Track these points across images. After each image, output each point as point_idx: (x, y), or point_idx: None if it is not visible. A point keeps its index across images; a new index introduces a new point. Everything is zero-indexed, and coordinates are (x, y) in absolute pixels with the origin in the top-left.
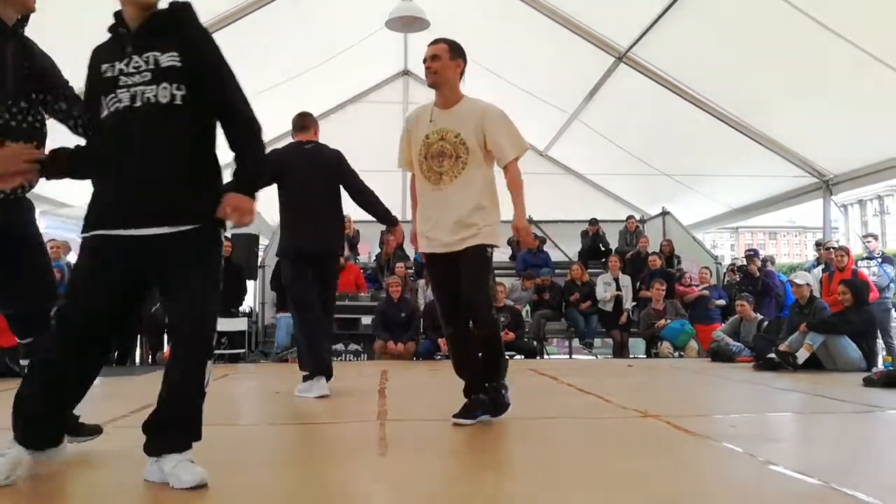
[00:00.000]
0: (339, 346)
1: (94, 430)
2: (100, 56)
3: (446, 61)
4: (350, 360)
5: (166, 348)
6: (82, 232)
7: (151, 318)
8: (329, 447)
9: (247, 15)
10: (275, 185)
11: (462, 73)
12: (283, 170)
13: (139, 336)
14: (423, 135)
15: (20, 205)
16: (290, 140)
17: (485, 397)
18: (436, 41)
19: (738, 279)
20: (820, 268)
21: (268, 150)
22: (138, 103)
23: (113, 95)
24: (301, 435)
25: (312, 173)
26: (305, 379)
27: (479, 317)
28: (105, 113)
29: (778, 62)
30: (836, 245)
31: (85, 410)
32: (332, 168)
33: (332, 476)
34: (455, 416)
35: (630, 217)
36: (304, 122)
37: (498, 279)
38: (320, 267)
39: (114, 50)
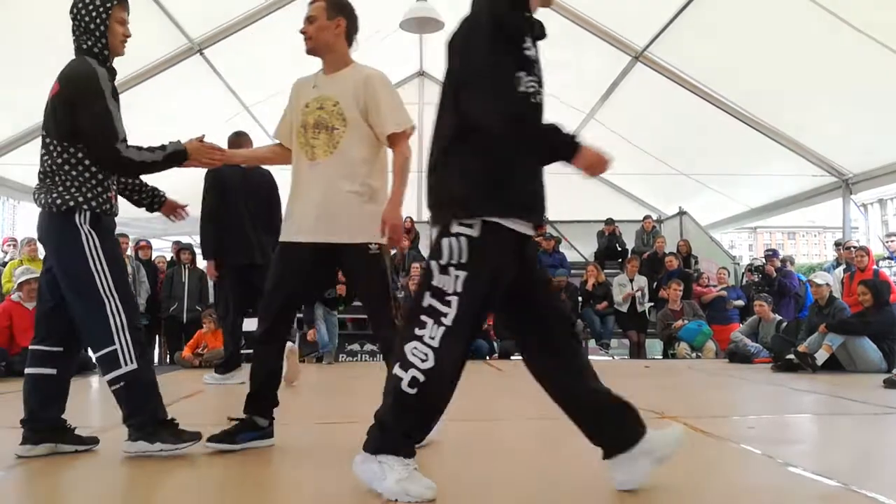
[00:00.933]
0: (356, 347)
1: (91, 441)
2: (531, 27)
3: (323, 22)
4: (366, 360)
5: (185, 349)
6: (525, 218)
7: (170, 318)
8: (344, 446)
9: (262, 18)
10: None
11: (349, 35)
12: (226, 187)
13: (158, 336)
14: (304, 103)
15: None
16: None
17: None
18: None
19: (755, 279)
20: (841, 268)
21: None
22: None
23: (533, 79)
24: (317, 434)
25: (248, 192)
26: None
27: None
28: (520, 90)
29: (797, 60)
30: (856, 245)
31: (105, 410)
32: (264, 188)
33: (347, 476)
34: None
35: (647, 217)
36: (239, 141)
37: None
38: (250, 277)
39: (537, 33)
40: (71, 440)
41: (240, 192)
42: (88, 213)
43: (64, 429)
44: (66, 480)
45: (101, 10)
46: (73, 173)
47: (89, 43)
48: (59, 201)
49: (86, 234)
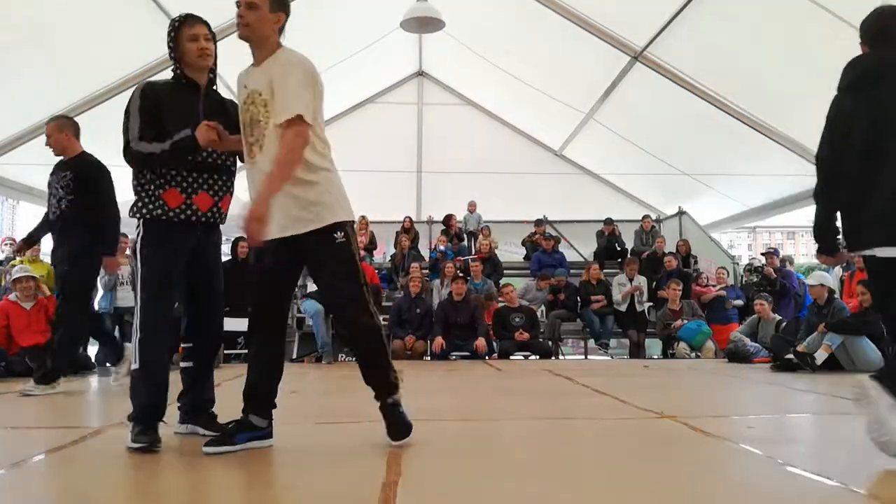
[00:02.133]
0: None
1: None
2: None
3: (265, 13)
4: None
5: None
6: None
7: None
8: (343, 447)
9: None
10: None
11: (282, 29)
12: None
13: None
14: (241, 101)
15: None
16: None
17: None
18: None
19: (755, 280)
20: (839, 266)
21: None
22: None
23: None
24: (315, 434)
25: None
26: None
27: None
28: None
29: (796, 60)
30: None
31: (104, 409)
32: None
33: (346, 476)
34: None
35: (646, 216)
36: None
37: (512, 279)
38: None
39: None
40: (207, 426)
41: (96, 182)
42: (142, 221)
43: (207, 414)
44: (64, 480)
45: (171, 34)
46: (134, 182)
47: (173, 65)
48: (132, 209)
49: (138, 241)
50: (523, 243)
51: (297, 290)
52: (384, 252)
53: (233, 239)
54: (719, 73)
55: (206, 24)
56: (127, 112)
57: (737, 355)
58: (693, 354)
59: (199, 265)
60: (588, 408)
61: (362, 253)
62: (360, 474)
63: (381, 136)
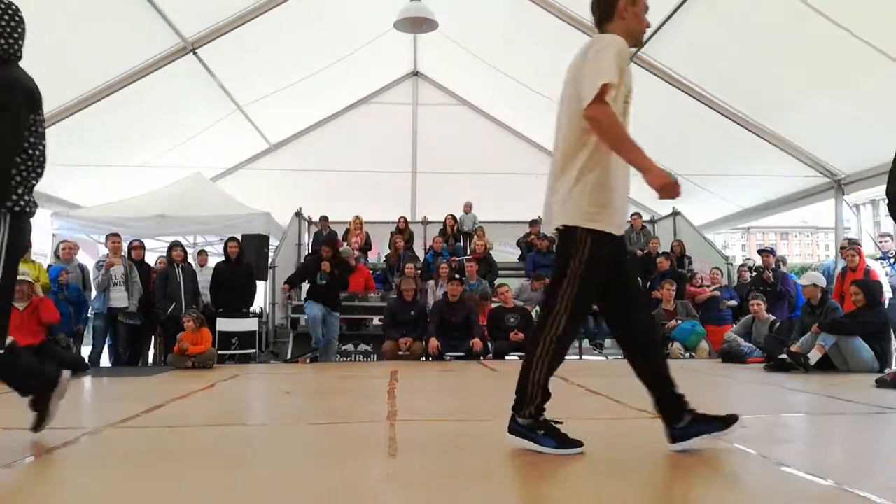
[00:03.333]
0: (349, 347)
1: None
2: None
3: None
4: (360, 360)
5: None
6: None
7: (170, 319)
8: (338, 447)
9: (257, 17)
10: None
11: None
12: None
13: (154, 337)
14: (630, 87)
15: None
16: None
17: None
18: None
19: (749, 279)
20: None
21: None
22: None
23: None
24: (310, 435)
25: None
26: None
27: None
28: None
29: (789, 61)
30: (847, 244)
31: (95, 410)
32: None
33: (341, 476)
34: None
35: (635, 214)
36: None
37: (507, 280)
38: None
39: None
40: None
41: None
42: (8, 215)
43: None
44: (61, 479)
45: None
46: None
47: None
48: None
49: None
50: (518, 244)
51: (291, 291)
52: (378, 252)
53: (225, 238)
54: (713, 73)
55: None
56: None
57: (731, 355)
58: (687, 355)
59: None
60: (583, 408)
61: (357, 254)
62: (353, 474)
63: (376, 136)
